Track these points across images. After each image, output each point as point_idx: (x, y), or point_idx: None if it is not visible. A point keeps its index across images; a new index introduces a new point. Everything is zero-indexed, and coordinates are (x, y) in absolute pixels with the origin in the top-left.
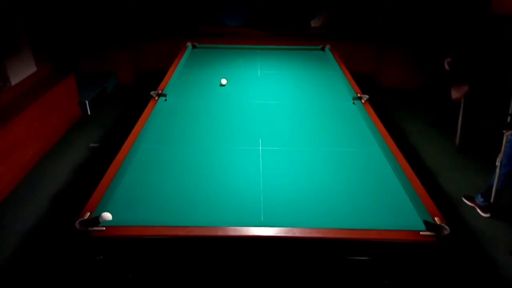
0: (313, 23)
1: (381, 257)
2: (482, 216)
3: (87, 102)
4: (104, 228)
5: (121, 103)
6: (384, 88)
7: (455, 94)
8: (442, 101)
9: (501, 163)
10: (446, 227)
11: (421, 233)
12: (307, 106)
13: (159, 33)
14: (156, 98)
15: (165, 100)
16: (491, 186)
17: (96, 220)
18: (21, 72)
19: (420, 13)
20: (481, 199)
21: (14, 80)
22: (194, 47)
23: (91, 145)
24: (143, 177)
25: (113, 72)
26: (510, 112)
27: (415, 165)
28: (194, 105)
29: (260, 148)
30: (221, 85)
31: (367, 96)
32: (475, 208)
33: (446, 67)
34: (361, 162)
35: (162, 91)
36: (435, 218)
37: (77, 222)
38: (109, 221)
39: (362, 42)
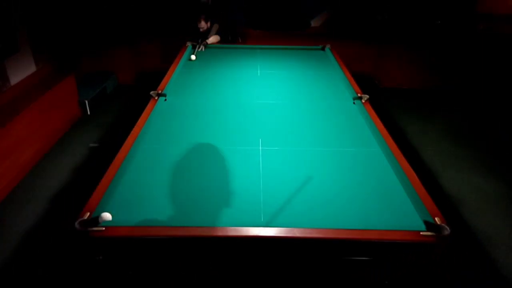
0: (313, 23)
1: (381, 257)
2: (482, 216)
3: (87, 102)
4: (104, 228)
5: (121, 103)
6: (384, 88)
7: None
8: (443, 101)
9: None
10: (447, 227)
11: (421, 233)
12: (307, 106)
13: (159, 33)
14: (156, 98)
15: (165, 100)
16: None
17: (96, 220)
18: (21, 72)
19: (420, 13)
20: None
21: (14, 80)
22: (194, 47)
23: (91, 145)
24: (143, 177)
25: (113, 72)
26: None
27: (415, 165)
28: (194, 105)
29: (260, 148)
30: (189, 59)
31: (367, 96)
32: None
33: None
34: (361, 162)
35: (162, 91)
36: (436, 218)
37: (77, 222)
38: (109, 221)
39: (362, 42)
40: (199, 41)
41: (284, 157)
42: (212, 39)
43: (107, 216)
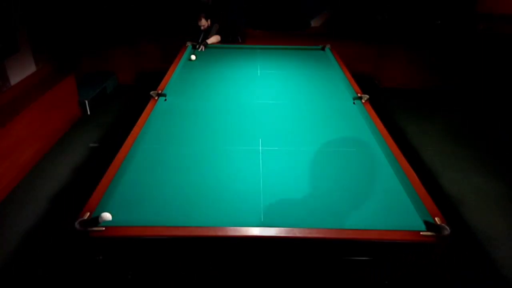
0: (313, 23)
1: (381, 257)
2: (482, 216)
3: (87, 102)
4: (104, 228)
5: (121, 103)
6: (384, 88)
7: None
8: (443, 101)
9: None
10: (447, 227)
11: (421, 233)
12: (307, 106)
13: (159, 33)
14: (156, 98)
15: (165, 100)
16: None
17: (95, 220)
18: (21, 72)
19: (420, 13)
20: None
21: (14, 80)
22: (194, 47)
23: (91, 145)
24: (143, 177)
25: (113, 72)
26: None
27: (415, 165)
28: (194, 105)
29: (260, 148)
30: (189, 59)
31: (367, 96)
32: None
33: None
34: (361, 162)
35: (162, 91)
36: (436, 218)
37: (77, 222)
38: (109, 221)
39: (362, 42)
40: (199, 40)
41: (284, 157)
42: (213, 39)
43: (107, 216)
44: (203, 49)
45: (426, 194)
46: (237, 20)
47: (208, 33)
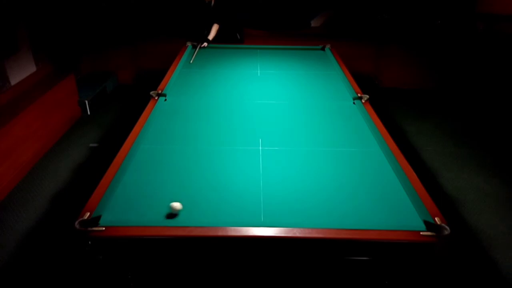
0: (313, 23)
1: (381, 257)
2: (481, 216)
3: (87, 102)
4: (104, 228)
5: (121, 103)
6: (384, 88)
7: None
8: (442, 101)
9: None
10: (447, 227)
11: (421, 233)
12: (307, 106)
13: (159, 33)
14: (156, 98)
15: (165, 100)
16: None
17: (96, 220)
18: (21, 72)
19: (420, 13)
20: None
21: (14, 80)
22: (194, 46)
23: (91, 145)
24: (143, 177)
25: (113, 72)
26: None
27: (415, 165)
28: (194, 105)
29: (260, 148)
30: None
31: (368, 96)
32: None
33: None
34: (361, 162)
35: (162, 91)
36: (436, 218)
37: (77, 222)
38: (109, 221)
39: (362, 42)
40: (204, 34)
41: (284, 157)
42: (213, 33)
43: (177, 205)
44: (205, 45)
45: (426, 194)
46: (238, 19)
47: (209, 31)
